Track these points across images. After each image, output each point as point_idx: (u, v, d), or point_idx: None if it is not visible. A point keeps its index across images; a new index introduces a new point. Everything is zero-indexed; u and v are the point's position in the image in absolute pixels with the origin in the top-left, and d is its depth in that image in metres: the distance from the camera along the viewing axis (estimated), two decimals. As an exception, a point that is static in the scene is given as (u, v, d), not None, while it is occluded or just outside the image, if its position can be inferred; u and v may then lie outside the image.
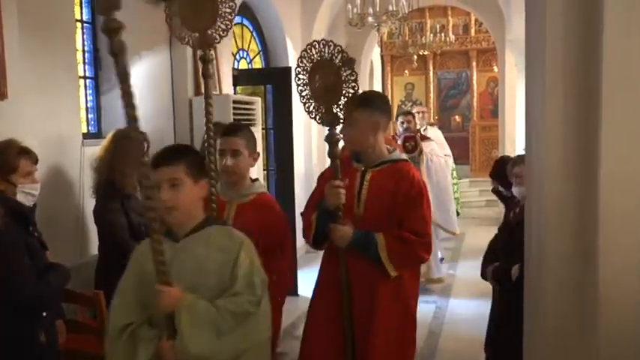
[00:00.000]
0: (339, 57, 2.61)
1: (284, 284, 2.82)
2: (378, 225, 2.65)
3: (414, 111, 6.91)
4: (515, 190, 3.17)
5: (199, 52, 2.81)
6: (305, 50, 2.68)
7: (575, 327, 1.94)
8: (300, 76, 2.70)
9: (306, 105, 2.72)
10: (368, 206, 2.69)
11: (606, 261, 1.80)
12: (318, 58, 2.65)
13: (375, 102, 2.73)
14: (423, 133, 6.58)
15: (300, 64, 2.70)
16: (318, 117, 2.69)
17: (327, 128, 2.68)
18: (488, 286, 3.40)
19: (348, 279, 2.67)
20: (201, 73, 2.66)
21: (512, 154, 7.87)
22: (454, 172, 7.97)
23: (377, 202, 2.68)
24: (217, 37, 2.67)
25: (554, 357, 2.01)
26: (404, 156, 2.88)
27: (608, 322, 1.82)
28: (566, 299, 1.96)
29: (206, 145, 2.74)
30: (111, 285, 2.19)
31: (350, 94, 2.62)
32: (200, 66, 2.80)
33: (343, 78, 2.61)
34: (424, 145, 6.09)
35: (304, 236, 2.84)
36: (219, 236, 2.10)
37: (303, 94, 2.70)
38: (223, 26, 2.68)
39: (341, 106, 2.64)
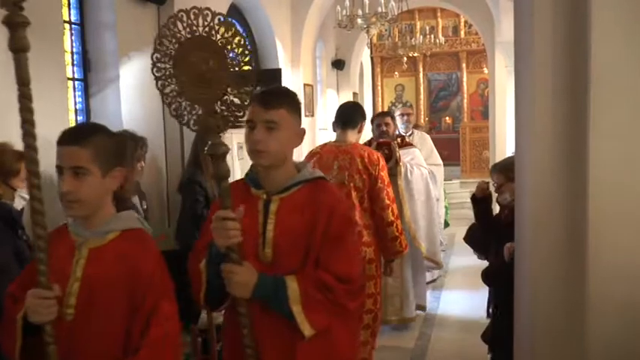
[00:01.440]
0: (220, 30, 1.70)
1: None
2: (293, 273, 1.89)
3: (396, 114, 5.84)
4: (500, 199, 3.31)
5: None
6: (166, 27, 1.73)
7: (565, 326, 1.95)
8: (160, 65, 1.75)
9: (173, 107, 1.77)
10: (277, 249, 1.91)
11: (596, 260, 1.80)
12: (188, 37, 1.72)
13: (298, 103, 2.05)
14: (407, 138, 5.53)
15: (160, 48, 1.74)
16: (192, 121, 1.77)
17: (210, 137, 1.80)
18: (480, 285, 3.42)
19: (254, 343, 1.86)
20: (8, 45, 1.76)
21: (503, 155, 7.92)
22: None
23: (289, 243, 1.91)
24: None
25: (544, 355, 2.02)
26: (319, 172, 2.07)
27: (597, 321, 1.82)
28: (556, 299, 1.97)
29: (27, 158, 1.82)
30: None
31: (246, 84, 1.74)
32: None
33: (229, 60, 1.72)
34: (403, 153, 4.89)
35: (192, 295, 1.97)
36: None
37: (167, 90, 1.76)
38: None
39: (228, 102, 1.77)
